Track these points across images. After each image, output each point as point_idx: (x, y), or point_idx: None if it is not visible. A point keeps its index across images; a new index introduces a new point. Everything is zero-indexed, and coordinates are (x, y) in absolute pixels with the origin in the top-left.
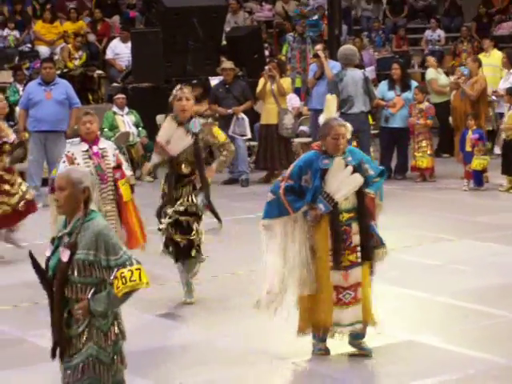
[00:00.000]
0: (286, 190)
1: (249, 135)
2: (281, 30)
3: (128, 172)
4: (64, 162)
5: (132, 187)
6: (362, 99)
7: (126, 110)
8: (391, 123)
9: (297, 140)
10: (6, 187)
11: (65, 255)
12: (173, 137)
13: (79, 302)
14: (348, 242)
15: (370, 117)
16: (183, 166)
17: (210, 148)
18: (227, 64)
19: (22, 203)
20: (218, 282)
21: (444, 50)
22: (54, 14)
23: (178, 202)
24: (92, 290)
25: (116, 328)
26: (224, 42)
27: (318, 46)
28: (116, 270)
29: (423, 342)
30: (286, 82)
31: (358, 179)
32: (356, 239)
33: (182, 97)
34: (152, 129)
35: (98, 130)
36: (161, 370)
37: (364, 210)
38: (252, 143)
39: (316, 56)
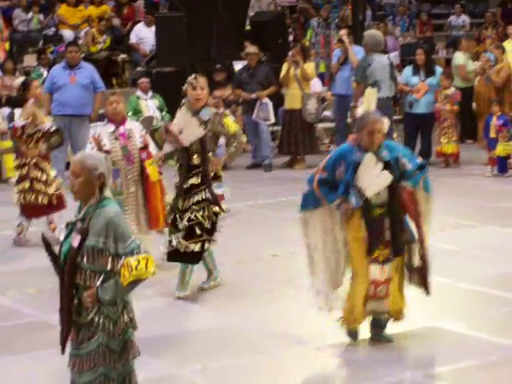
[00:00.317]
0: (320, 183)
1: (272, 120)
2: (305, 15)
3: (155, 153)
4: (91, 143)
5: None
6: (387, 84)
7: (150, 94)
8: (415, 109)
9: (320, 125)
10: (44, 177)
11: (75, 241)
12: (186, 127)
13: (88, 290)
14: (381, 236)
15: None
16: (195, 156)
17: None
18: (251, 48)
19: (54, 196)
20: (241, 267)
21: (468, 35)
22: None
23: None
24: (101, 278)
25: (126, 316)
26: (248, 27)
27: (343, 31)
28: (123, 258)
29: (445, 328)
30: (309, 67)
31: (387, 177)
32: (388, 234)
33: (196, 86)
34: (176, 113)
35: (124, 110)
36: (183, 353)
37: (395, 205)
38: (275, 128)
39: (340, 41)
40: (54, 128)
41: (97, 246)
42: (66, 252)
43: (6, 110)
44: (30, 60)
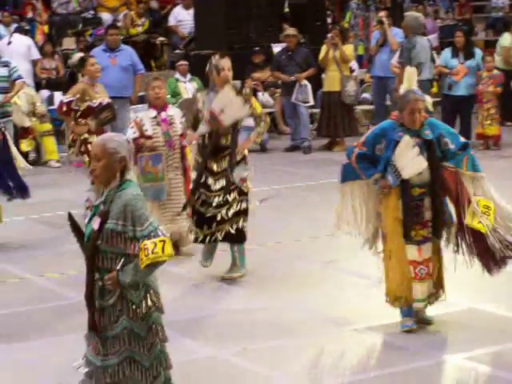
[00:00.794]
0: (358, 157)
1: (311, 102)
2: None
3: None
4: (132, 127)
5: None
6: (428, 66)
7: (189, 76)
8: (454, 91)
9: (359, 107)
10: None
11: (96, 224)
12: (228, 106)
13: (110, 273)
14: (420, 216)
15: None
16: (224, 137)
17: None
18: (290, 31)
19: None
20: (281, 249)
21: (509, 17)
22: None
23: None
24: (121, 261)
25: (149, 300)
26: (286, 9)
27: (382, 13)
28: (141, 241)
29: (485, 309)
30: (348, 49)
31: (422, 162)
32: (428, 214)
33: (224, 67)
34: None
35: (165, 95)
36: (223, 335)
37: (437, 186)
38: (314, 110)
39: (379, 23)
40: (105, 103)
41: (116, 228)
42: (88, 234)
43: (46, 93)
44: (68, 43)
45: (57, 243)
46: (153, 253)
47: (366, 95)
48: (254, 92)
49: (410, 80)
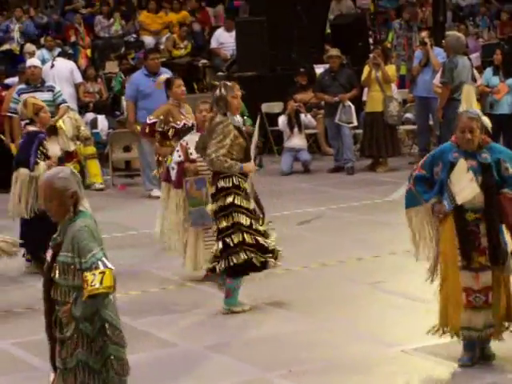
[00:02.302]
0: (416, 180)
1: (355, 123)
2: (385, 17)
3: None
4: (178, 151)
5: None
6: None
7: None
8: (496, 110)
9: (402, 127)
10: None
11: (48, 256)
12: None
13: (65, 305)
14: (476, 243)
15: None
16: None
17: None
18: (334, 51)
19: None
20: (325, 270)
21: None
22: (158, 3)
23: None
24: (74, 294)
25: (104, 334)
26: (328, 30)
27: (424, 34)
28: (84, 273)
29: None
30: (390, 70)
31: (474, 189)
32: (485, 241)
33: (238, 95)
34: (256, 117)
35: None
36: (269, 357)
37: (492, 212)
38: (357, 131)
39: (422, 43)
40: (190, 124)
41: (66, 261)
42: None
43: (89, 116)
44: (111, 66)
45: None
46: (91, 285)
47: (409, 115)
48: (297, 113)
49: (467, 99)
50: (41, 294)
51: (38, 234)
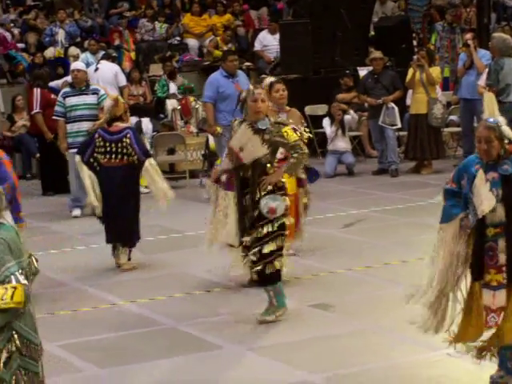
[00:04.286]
0: (447, 194)
1: (399, 125)
2: (430, 19)
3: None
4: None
5: (300, 180)
6: None
7: None
8: None
9: (446, 130)
10: None
11: None
12: (247, 145)
13: None
14: (494, 260)
15: None
16: (250, 169)
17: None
18: (377, 53)
19: None
20: (370, 273)
21: None
22: (202, 6)
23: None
24: None
25: (12, 346)
26: (372, 33)
27: (468, 35)
28: None
29: None
30: (435, 71)
31: (490, 201)
32: (503, 258)
33: (257, 98)
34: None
35: None
36: (313, 360)
37: None
38: (401, 133)
39: (466, 45)
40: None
41: None
42: None
43: (133, 119)
44: (155, 69)
45: (144, 269)
46: (1, 299)
47: (454, 117)
48: (343, 113)
49: (488, 106)
50: None
51: None
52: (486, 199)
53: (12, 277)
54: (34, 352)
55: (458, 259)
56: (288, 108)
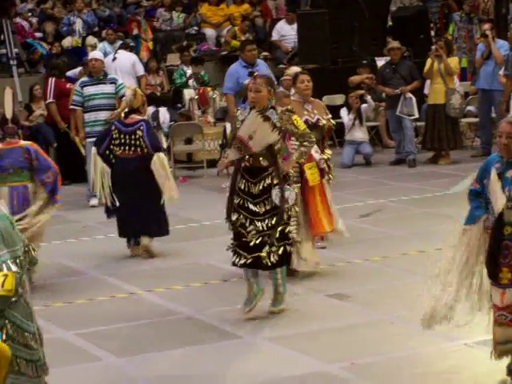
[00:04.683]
0: (471, 195)
1: (416, 115)
2: (447, 9)
3: (317, 156)
4: None
5: (322, 171)
6: None
7: (293, 91)
8: None
9: (464, 120)
10: None
11: None
12: (257, 132)
13: None
14: (508, 258)
15: None
16: (261, 158)
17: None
18: (395, 44)
19: None
20: (387, 263)
21: None
22: None
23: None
24: None
25: (3, 334)
26: (390, 23)
27: (486, 26)
28: None
29: None
30: (453, 62)
31: (502, 200)
32: None
33: (251, 88)
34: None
35: None
36: (331, 350)
37: None
38: (419, 123)
39: (484, 36)
40: (314, 120)
41: None
42: None
43: (151, 109)
44: (173, 59)
45: (162, 258)
46: None
47: (471, 108)
48: (361, 99)
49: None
50: None
51: None
52: (499, 198)
53: (3, 265)
54: (29, 340)
55: (478, 259)
56: (312, 99)
